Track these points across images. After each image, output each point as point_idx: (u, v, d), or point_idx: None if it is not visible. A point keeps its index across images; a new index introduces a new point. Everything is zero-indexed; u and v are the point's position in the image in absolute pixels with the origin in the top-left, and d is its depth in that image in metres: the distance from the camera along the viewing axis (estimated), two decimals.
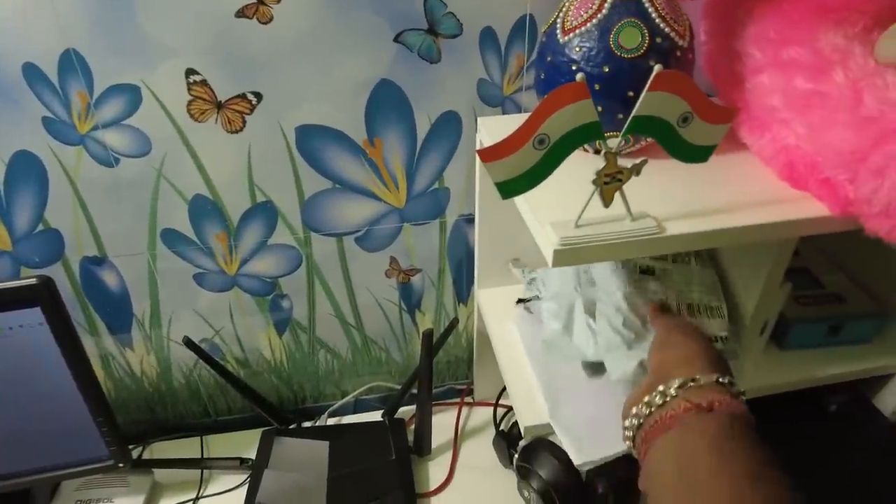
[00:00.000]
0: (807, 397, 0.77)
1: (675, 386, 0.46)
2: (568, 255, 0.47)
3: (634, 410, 0.47)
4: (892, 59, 0.51)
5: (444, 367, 1.00)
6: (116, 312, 0.83)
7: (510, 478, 0.85)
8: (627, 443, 0.50)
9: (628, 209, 0.49)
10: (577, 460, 0.60)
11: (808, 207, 0.53)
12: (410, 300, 0.89)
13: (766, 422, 0.77)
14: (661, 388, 0.46)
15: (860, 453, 0.73)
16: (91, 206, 0.73)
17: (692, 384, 0.46)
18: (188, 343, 0.81)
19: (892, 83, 0.50)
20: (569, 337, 0.65)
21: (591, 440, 0.62)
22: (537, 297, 0.75)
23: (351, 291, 0.86)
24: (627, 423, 0.48)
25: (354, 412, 0.98)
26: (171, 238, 0.77)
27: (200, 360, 0.90)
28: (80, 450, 0.78)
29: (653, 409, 0.46)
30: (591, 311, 0.63)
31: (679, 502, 0.41)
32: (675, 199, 0.52)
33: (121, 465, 0.79)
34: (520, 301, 0.78)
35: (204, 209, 0.75)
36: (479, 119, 0.71)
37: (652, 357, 0.53)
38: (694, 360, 0.49)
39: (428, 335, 0.77)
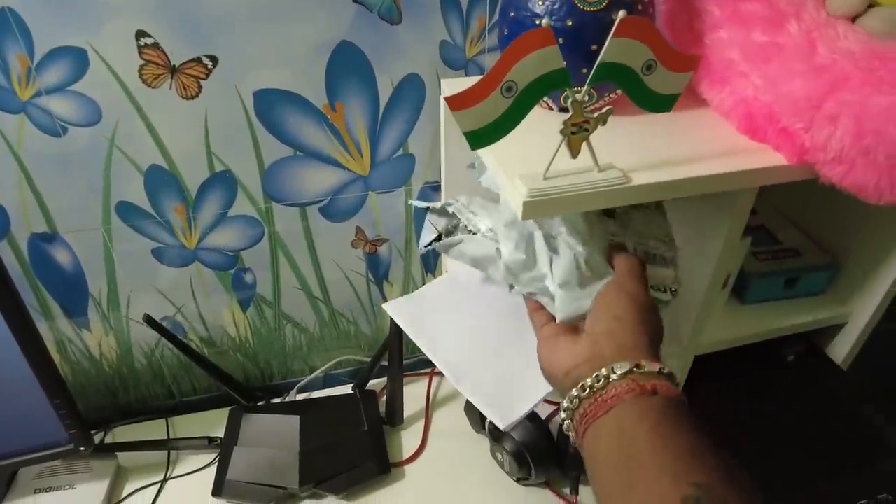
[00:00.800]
0: (764, 350, 0.80)
1: (621, 372, 0.45)
2: (537, 207, 0.47)
3: (575, 392, 0.46)
4: (842, 10, 0.53)
5: None
6: (71, 293, 0.80)
7: (483, 443, 0.86)
8: (564, 419, 0.49)
9: (595, 160, 0.49)
10: (501, 424, 0.59)
11: (766, 158, 0.54)
12: (378, 271, 0.89)
13: (727, 374, 0.80)
14: (604, 371, 0.45)
15: (816, 401, 0.77)
16: (38, 180, 0.69)
17: (636, 370, 0.45)
18: (149, 321, 0.78)
19: (843, 33, 0.51)
20: (532, 266, 0.60)
21: (504, 400, 0.62)
22: (468, 231, 0.66)
23: (316, 263, 0.85)
24: (566, 402, 0.47)
25: (324, 387, 0.97)
26: (127, 211, 0.74)
27: (163, 340, 0.87)
28: (37, 435, 0.75)
29: (595, 390, 0.45)
30: (551, 246, 0.59)
31: (621, 481, 0.41)
32: (639, 152, 0.53)
33: (82, 448, 0.76)
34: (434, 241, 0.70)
35: (160, 180, 0.72)
36: (442, 81, 0.70)
37: (601, 319, 0.50)
38: (642, 346, 0.48)
39: None
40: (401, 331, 0.79)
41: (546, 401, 0.88)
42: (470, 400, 0.63)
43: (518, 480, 0.80)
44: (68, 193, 0.71)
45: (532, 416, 0.78)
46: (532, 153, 0.49)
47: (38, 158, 0.68)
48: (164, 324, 0.83)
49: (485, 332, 0.71)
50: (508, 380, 0.64)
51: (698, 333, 0.69)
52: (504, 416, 0.60)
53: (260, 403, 0.90)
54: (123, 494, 0.82)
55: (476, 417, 0.84)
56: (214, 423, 0.89)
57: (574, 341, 0.50)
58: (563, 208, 0.49)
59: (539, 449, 0.76)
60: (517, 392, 0.63)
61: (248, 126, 0.71)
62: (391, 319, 0.76)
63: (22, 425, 0.73)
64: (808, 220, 0.82)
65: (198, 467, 0.85)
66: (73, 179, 0.70)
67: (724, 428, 0.73)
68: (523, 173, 0.48)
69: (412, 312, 0.73)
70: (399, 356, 0.81)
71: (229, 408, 0.89)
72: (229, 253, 0.81)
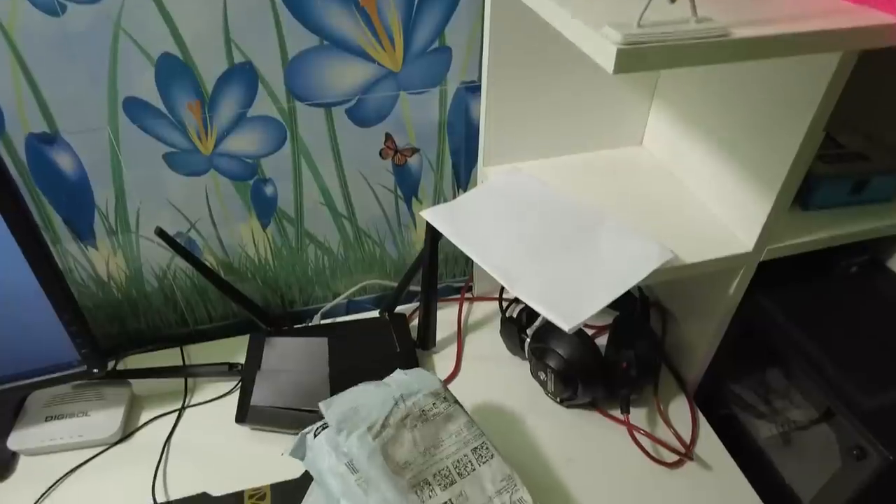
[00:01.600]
0: (824, 261, 0.75)
1: None
2: (633, 58, 0.41)
3: None
4: None
5: (441, 264, 0.94)
6: (75, 204, 0.73)
7: (519, 365, 0.81)
8: None
9: (694, 7, 0.42)
10: (566, 325, 0.54)
11: (870, 16, 0.48)
12: (407, 186, 0.82)
13: (788, 284, 0.75)
14: None
15: (877, 313, 0.72)
16: (34, 66, 0.61)
17: None
18: (161, 234, 0.72)
19: None
20: None
21: (566, 301, 0.57)
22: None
23: (342, 175, 0.78)
24: None
25: (347, 314, 0.92)
26: (136, 109, 0.66)
27: (175, 261, 0.81)
28: (47, 356, 0.69)
29: None
30: None
31: None
32: (736, 11, 0.47)
33: (95, 370, 0.71)
34: None
35: (173, 72, 0.65)
36: None
37: None
38: None
39: None
40: (436, 244, 0.73)
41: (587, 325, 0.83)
42: (527, 302, 0.57)
43: (561, 402, 0.76)
44: (69, 85, 0.63)
45: (578, 332, 0.72)
46: (612, 4, 0.42)
47: (33, 42, 0.60)
48: (178, 241, 0.76)
49: (534, 238, 0.65)
50: (567, 283, 0.59)
51: (765, 237, 0.64)
52: (568, 317, 0.55)
53: (282, 329, 0.84)
54: (140, 423, 0.77)
55: (514, 339, 0.79)
56: (233, 350, 0.83)
57: None
58: (661, 62, 0.42)
59: (587, 366, 0.71)
60: (579, 294, 0.57)
61: (271, 8, 0.63)
62: (427, 230, 0.70)
63: (31, 346, 0.67)
64: (872, 127, 0.76)
65: (218, 395, 0.80)
66: (74, 68, 0.62)
67: (785, 338, 0.69)
68: (613, 21, 0.42)
69: (453, 219, 0.67)
70: (434, 270, 0.75)
71: (248, 335, 0.83)
72: (248, 160, 0.74)
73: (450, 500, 0.55)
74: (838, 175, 0.69)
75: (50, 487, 0.70)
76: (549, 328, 0.75)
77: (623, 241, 0.64)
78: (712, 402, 0.82)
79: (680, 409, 0.78)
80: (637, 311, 0.82)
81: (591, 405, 0.76)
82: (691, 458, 0.71)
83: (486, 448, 0.60)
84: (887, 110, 0.74)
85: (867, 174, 0.70)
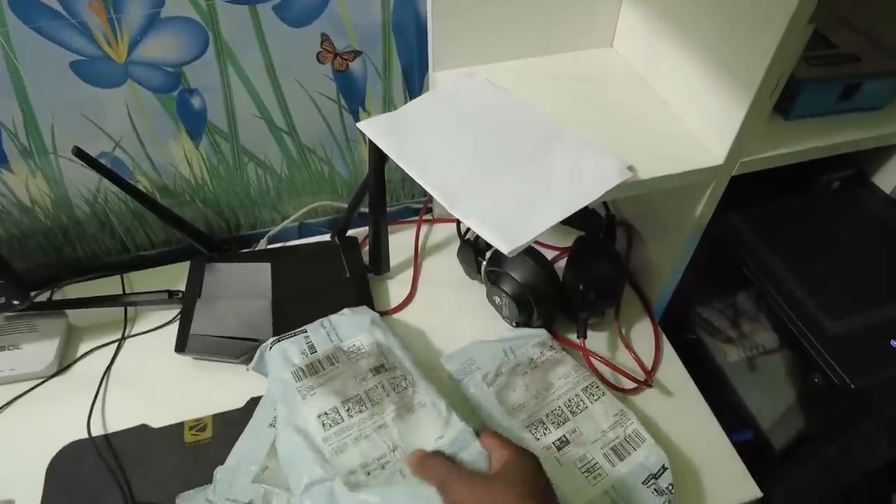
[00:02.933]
0: (805, 175, 0.70)
1: None
2: None
3: None
4: None
5: (398, 184, 0.88)
6: None
7: (479, 290, 0.77)
8: None
9: None
10: (506, 248, 0.50)
11: None
12: (351, 95, 0.74)
13: (764, 200, 0.70)
14: None
15: (860, 230, 0.67)
16: None
17: None
18: (79, 154, 0.65)
19: None
20: None
21: (509, 223, 0.52)
22: None
23: (276, 84, 0.70)
24: None
25: (299, 238, 0.87)
26: (25, 7, 0.58)
27: (104, 183, 0.75)
28: None
29: None
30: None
31: None
32: None
33: (15, 302, 0.66)
34: None
35: None
36: None
37: None
38: None
39: None
40: (382, 160, 0.67)
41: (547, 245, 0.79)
42: (467, 224, 0.52)
43: (517, 326, 0.72)
44: None
45: (534, 254, 0.68)
46: None
47: None
48: (103, 161, 0.70)
49: (482, 152, 0.59)
50: (514, 201, 0.53)
51: (739, 149, 0.58)
52: (509, 240, 0.49)
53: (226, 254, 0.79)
54: (78, 355, 0.74)
55: (471, 261, 0.75)
56: (176, 277, 0.78)
57: None
58: None
59: (542, 290, 0.67)
60: (526, 214, 0.52)
61: None
62: (370, 145, 0.63)
63: None
64: (870, 25, 0.68)
65: (159, 324, 0.76)
66: None
67: (755, 258, 0.64)
68: None
69: (394, 131, 0.60)
70: (381, 189, 0.69)
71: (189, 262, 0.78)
72: (169, 69, 0.66)
73: (564, 436, 0.58)
74: (826, 79, 0.62)
75: None
76: None
77: (580, 156, 0.58)
78: (677, 327, 0.78)
79: (643, 334, 0.75)
80: (602, 230, 0.76)
81: (549, 330, 0.72)
82: (651, 386, 0.69)
83: (597, 387, 0.63)
84: (885, 8, 0.66)
85: (858, 77, 0.62)
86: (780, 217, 0.69)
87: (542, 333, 0.68)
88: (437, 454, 0.50)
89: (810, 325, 0.58)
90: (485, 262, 0.72)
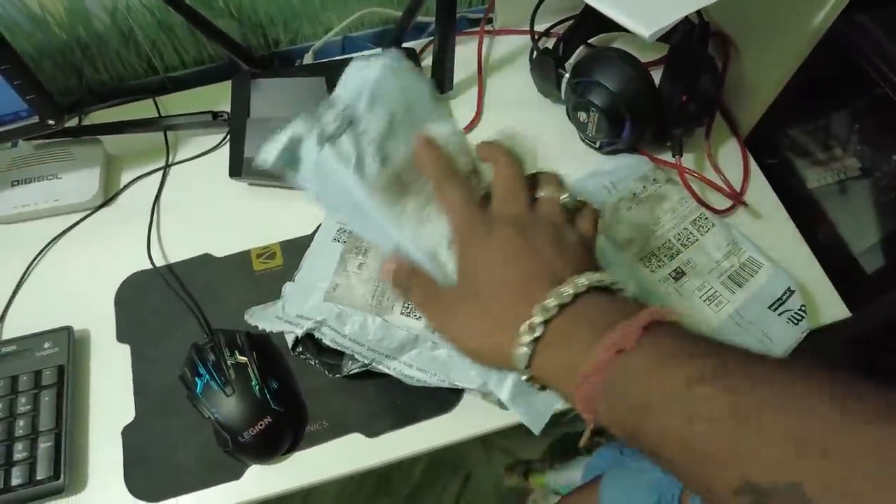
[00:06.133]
0: None
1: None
2: None
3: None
4: None
5: None
6: None
7: (551, 108, 0.70)
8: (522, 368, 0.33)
9: None
10: (645, 31, 0.43)
11: None
12: None
13: None
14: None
15: None
16: None
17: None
18: None
19: None
20: None
21: (647, 2, 0.44)
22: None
23: None
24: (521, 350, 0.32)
25: (343, 54, 0.78)
26: None
27: None
28: None
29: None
30: None
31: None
32: None
33: (50, 122, 0.59)
34: None
35: None
36: None
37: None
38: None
39: None
40: None
41: None
42: (596, 6, 0.44)
43: (601, 147, 0.66)
44: None
45: (631, 60, 0.60)
46: None
47: None
48: None
49: None
50: None
51: None
52: (648, 21, 0.42)
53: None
54: (121, 185, 0.68)
55: (549, 75, 0.66)
56: (213, 99, 0.71)
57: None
58: None
59: (639, 100, 0.60)
60: None
61: None
62: None
63: None
64: None
65: (204, 150, 0.70)
66: None
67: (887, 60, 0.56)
68: None
69: None
70: None
71: (230, 81, 0.70)
72: None
73: (678, 267, 0.56)
74: None
75: (38, 255, 0.64)
76: (594, 59, 0.62)
77: None
78: (761, 150, 0.72)
79: (730, 155, 0.69)
80: (695, 40, 0.67)
81: (634, 149, 0.66)
82: (745, 204, 0.64)
83: (706, 219, 0.61)
84: None
85: None
86: None
87: (644, 164, 0.63)
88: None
89: None
90: (567, 74, 0.64)
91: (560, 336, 0.31)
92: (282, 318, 0.53)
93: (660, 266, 0.57)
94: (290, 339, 0.54)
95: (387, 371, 0.51)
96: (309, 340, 0.53)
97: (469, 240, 0.37)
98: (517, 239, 0.35)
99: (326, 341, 0.51)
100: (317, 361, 0.54)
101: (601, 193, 0.61)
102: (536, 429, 0.48)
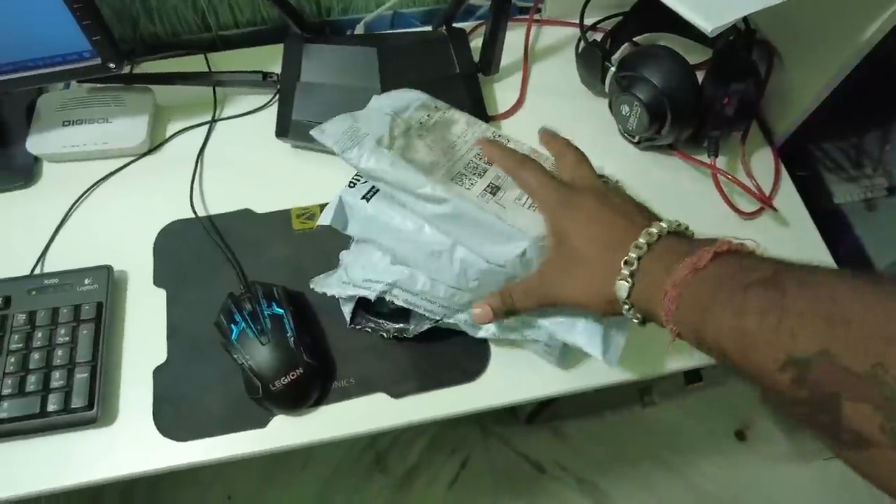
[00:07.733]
0: None
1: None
2: None
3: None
4: None
5: None
6: None
7: (592, 100, 0.71)
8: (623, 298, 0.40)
9: None
10: (708, 26, 0.45)
11: None
12: None
13: None
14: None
15: None
16: None
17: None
18: None
19: None
20: None
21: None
22: None
23: None
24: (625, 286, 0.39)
25: (392, 28, 0.79)
26: None
27: None
28: (53, 45, 0.59)
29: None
30: None
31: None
32: None
33: (111, 65, 0.61)
34: None
35: None
36: None
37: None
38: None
39: None
40: None
41: None
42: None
43: (639, 142, 0.68)
44: None
45: (677, 59, 0.61)
46: None
47: None
48: None
49: None
50: None
51: None
52: (711, 18, 0.43)
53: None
54: (168, 135, 0.70)
55: (595, 67, 0.68)
56: (263, 60, 0.72)
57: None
58: None
59: (683, 98, 0.61)
60: None
61: None
62: None
63: (33, 32, 0.57)
64: None
65: (252, 109, 0.71)
66: None
67: None
68: None
69: None
70: None
71: (282, 44, 0.71)
72: None
73: (490, 183, 0.52)
74: None
75: (82, 195, 0.65)
76: (642, 54, 0.63)
77: None
78: (795, 160, 0.74)
79: (762, 162, 0.71)
80: (740, 45, 0.69)
81: (670, 147, 0.68)
82: (774, 208, 0.66)
83: (499, 135, 0.56)
84: None
85: None
86: None
87: (421, 95, 0.59)
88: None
89: None
90: (613, 67, 0.65)
91: (652, 266, 0.38)
92: (348, 282, 0.54)
93: (472, 185, 0.52)
94: (347, 312, 0.56)
95: (458, 326, 0.53)
96: (362, 310, 0.55)
97: (557, 210, 0.44)
98: (600, 202, 0.43)
99: (399, 302, 0.52)
100: (376, 327, 0.56)
101: (387, 121, 0.55)
102: (613, 362, 0.49)
